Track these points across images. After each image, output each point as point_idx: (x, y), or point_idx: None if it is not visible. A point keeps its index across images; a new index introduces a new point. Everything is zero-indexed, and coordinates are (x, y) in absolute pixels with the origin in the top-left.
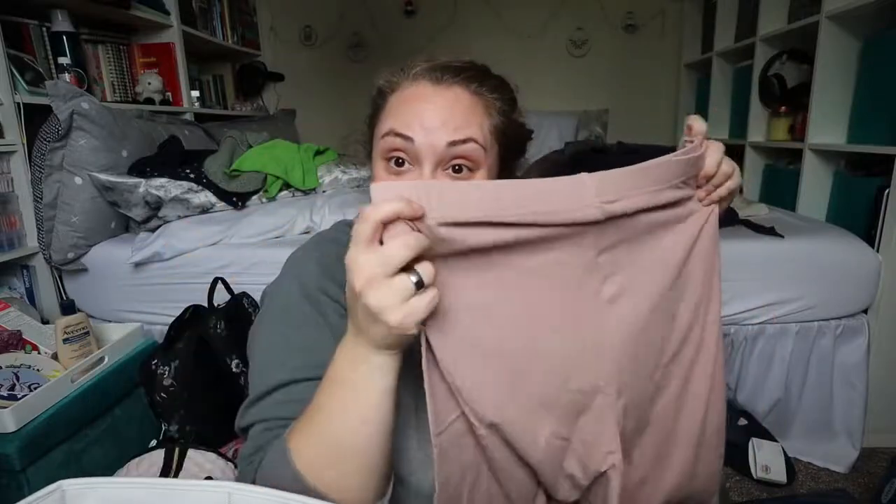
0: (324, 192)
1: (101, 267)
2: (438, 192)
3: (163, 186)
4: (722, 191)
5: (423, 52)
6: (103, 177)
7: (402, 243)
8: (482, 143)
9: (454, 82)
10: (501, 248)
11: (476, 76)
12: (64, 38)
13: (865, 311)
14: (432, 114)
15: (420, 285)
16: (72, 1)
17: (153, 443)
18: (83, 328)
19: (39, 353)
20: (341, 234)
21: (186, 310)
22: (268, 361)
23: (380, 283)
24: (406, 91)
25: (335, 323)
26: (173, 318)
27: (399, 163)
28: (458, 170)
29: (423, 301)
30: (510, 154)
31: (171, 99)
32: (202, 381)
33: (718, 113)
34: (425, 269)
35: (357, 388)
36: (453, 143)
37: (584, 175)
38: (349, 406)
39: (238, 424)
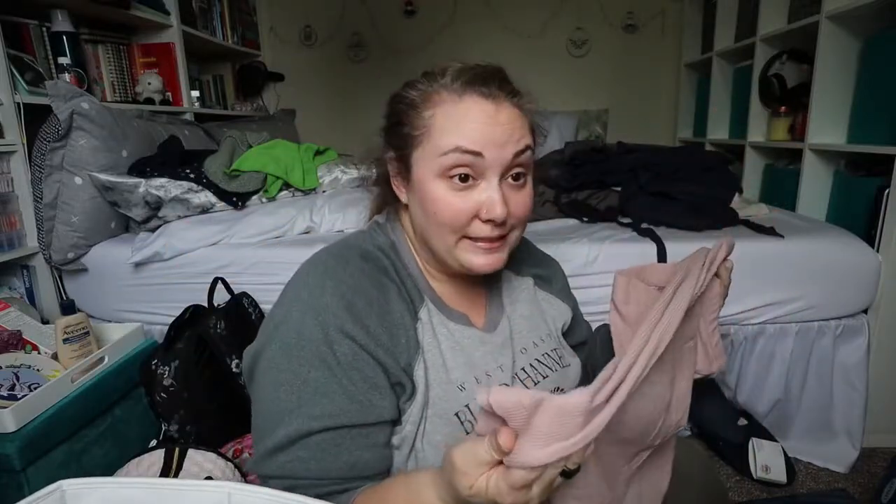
0: (324, 192)
1: (101, 267)
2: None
3: (163, 186)
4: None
5: (413, 56)
6: (103, 177)
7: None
8: (534, 149)
9: (502, 96)
10: None
11: (511, 86)
12: (64, 38)
13: (865, 311)
14: (496, 129)
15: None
16: (72, 1)
17: (153, 443)
18: (83, 328)
19: (39, 353)
20: (349, 252)
21: (186, 310)
22: (284, 401)
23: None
24: (456, 107)
25: (348, 365)
26: (173, 318)
27: (463, 178)
28: (516, 177)
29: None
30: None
31: (171, 99)
32: (202, 381)
33: (718, 113)
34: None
35: None
36: (517, 154)
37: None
38: None
39: (260, 471)
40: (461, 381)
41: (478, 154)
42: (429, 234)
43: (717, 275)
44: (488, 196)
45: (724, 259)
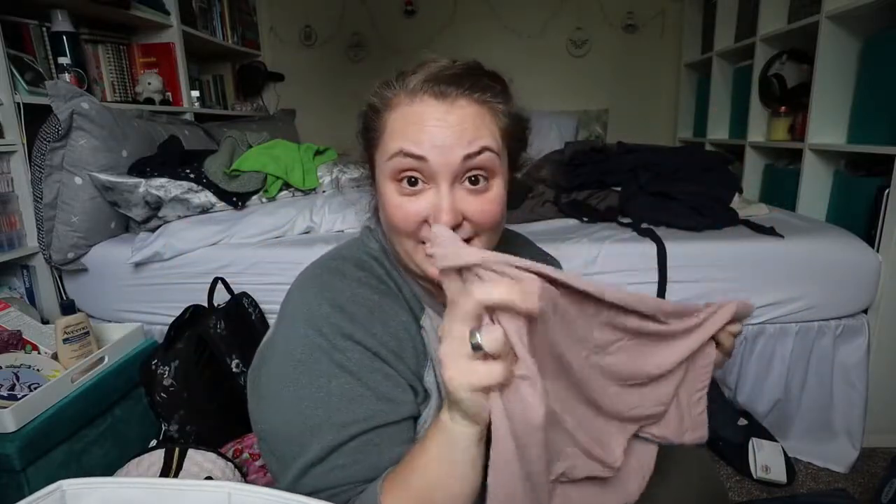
0: (324, 192)
1: (101, 267)
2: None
3: (163, 186)
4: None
5: (413, 56)
6: (103, 177)
7: (495, 339)
8: (496, 150)
9: (459, 95)
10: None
11: (476, 83)
12: (64, 38)
13: (865, 311)
14: (444, 132)
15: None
16: (72, 1)
17: (153, 443)
18: (83, 328)
19: (39, 353)
20: (342, 264)
21: (186, 310)
22: (311, 416)
23: (457, 363)
24: (408, 109)
25: (366, 367)
26: (173, 318)
27: (412, 182)
28: (474, 181)
29: (489, 369)
30: (517, 149)
31: (171, 99)
32: (202, 381)
33: (718, 113)
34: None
35: (454, 457)
36: (469, 157)
37: None
38: (445, 471)
39: (300, 490)
40: None
41: (421, 158)
42: (391, 239)
43: (716, 340)
44: (437, 201)
45: (730, 322)
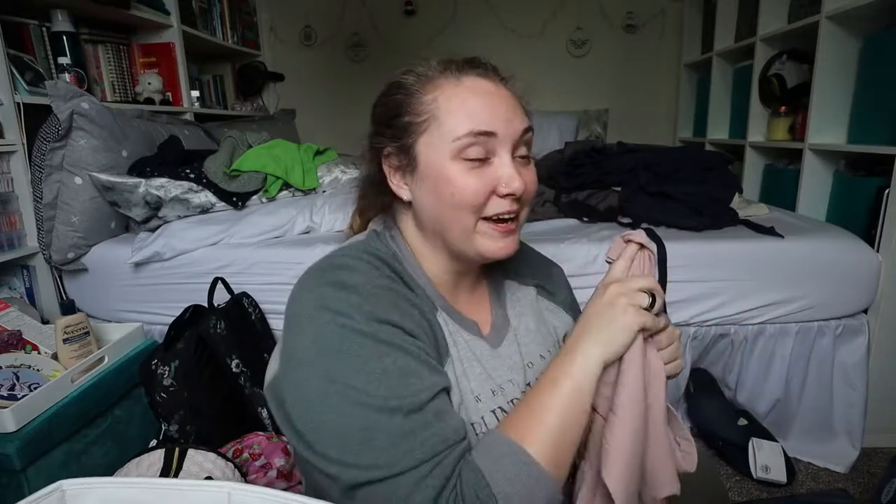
0: (324, 192)
1: (101, 267)
2: None
3: (163, 186)
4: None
5: (413, 56)
6: (103, 177)
7: (660, 303)
8: (533, 131)
9: (498, 80)
10: None
11: (497, 69)
12: (64, 38)
13: (865, 311)
14: (505, 104)
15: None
16: (72, 1)
17: (153, 443)
18: (83, 328)
19: (39, 353)
20: (352, 261)
21: (186, 310)
22: (373, 398)
23: (634, 310)
24: (458, 87)
25: (408, 343)
26: (173, 318)
27: (478, 157)
28: (523, 154)
29: (653, 318)
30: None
31: (171, 99)
32: (202, 381)
33: (718, 113)
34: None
35: (583, 392)
36: (526, 130)
37: None
38: (577, 407)
39: (396, 477)
40: (477, 391)
41: (491, 134)
42: (444, 223)
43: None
44: (505, 171)
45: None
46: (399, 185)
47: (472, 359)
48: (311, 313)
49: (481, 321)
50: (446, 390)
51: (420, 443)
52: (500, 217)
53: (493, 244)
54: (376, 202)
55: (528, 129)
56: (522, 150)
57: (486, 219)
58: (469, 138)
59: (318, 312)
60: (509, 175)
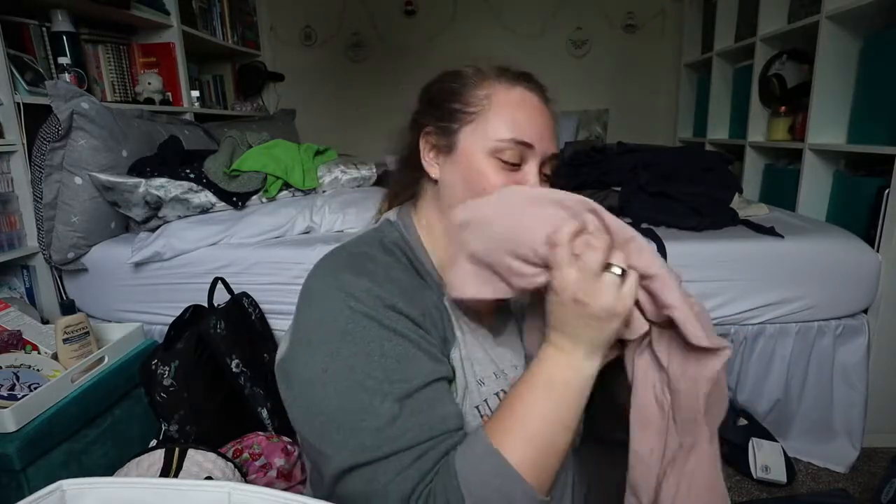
0: (324, 192)
1: (101, 267)
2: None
3: (163, 186)
4: None
5: (413, 56)
6: (103, 177)
7: (622, 258)
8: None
9: (545, 98)
10: None
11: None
12: (64, 38)
13: (865, 311)
14: (547, 123)
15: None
16: (72, 1)
17: (153, 443)
18: (83, 328)
19: (39, 353)
20: (369, 249)
21: (186, 310)
22: (369, 379)
23: (592, 283)
24: (511, 92)
25: (412, 331)
26: (173, 318)
27: (512, 161)
28: (546, 176)
29: (630, 285)
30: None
31: (171, 99)
32: (202, 381)
33: (718, 113)
34: (618, 259)
35: (569, 393)
36: (553, 156)
37: None
38: (562, 410)
39: (377, 460)
40: (481, 376)
41: (529, 146)
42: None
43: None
44: (531, 179)
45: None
46: (431, 163)
47: (475, 344)
48: (325, 291)
49: (485, 308)
50: (446, 380)
51: (405, 429)
52: None
53: None
54: (407, 182)
55: (556, 156)
56: (546, 169)
57: None
58: (510, 143)
59: (332, 291)
60: (534, 183)
